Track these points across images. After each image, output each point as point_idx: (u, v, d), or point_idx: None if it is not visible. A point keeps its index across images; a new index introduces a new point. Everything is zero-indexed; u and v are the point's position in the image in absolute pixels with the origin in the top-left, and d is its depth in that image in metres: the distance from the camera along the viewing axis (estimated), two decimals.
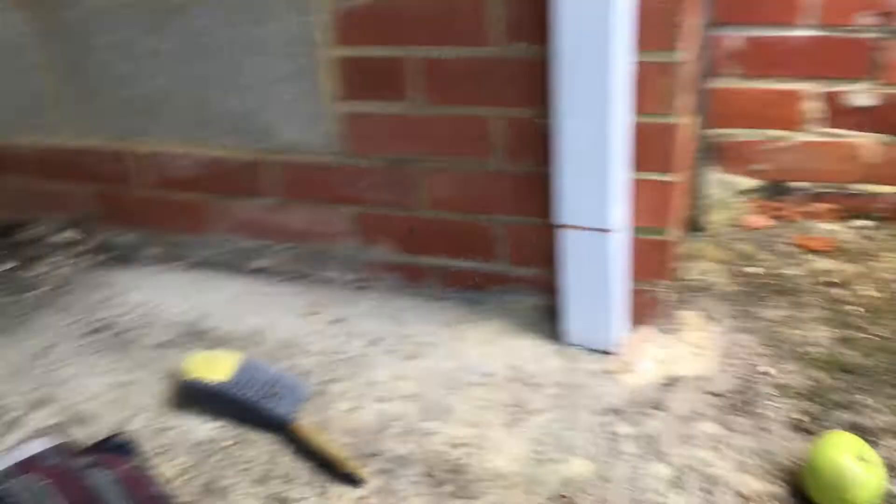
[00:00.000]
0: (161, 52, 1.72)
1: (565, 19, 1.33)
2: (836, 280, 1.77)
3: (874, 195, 1.96)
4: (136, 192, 1.93)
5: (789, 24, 1.86)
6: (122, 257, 1.99)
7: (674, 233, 1.62)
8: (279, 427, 1.42)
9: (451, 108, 1.59)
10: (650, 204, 1.54)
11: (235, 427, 1.45)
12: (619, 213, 1.50)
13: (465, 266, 1.76)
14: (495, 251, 1.72)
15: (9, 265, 1.95)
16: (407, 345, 1.65)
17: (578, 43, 1.34)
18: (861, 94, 1.88)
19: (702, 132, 1.97)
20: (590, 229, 1.49)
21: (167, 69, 1.74)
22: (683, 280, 1.79)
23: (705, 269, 1.83)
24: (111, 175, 1.93)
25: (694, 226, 1.93)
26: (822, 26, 1.84)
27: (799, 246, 1.91)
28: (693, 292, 1.76)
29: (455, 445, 1.39)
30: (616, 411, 1.45)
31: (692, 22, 1.49)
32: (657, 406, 1.46)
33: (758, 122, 1.98)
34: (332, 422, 1.45)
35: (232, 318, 1.76)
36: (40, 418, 1.49)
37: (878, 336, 1.60)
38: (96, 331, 1.73)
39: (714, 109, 1.99)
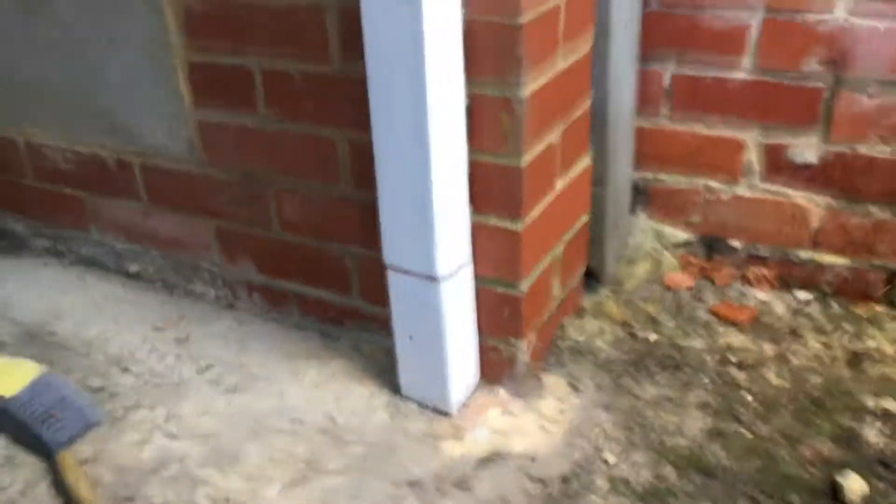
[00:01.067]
0: (37, 40, 1.65)
1: (375, 36, 1.17)
2: (741, 361, 1.54)
3: (819, 265, 1.70)
4: (26, 181, 1.88)
5: (728, 64, 1.62)
6: (13, 246, 1.94)
7: (537, 285, 1.44)
8: (48, 454, 1.32)
9: (296, 125, 1.45)
10: (496, 253, 1.36)
11: (11, 446, 1.36)
12: (452, 259, 1.32)
13: (322, 296, 1.62)
14: (350, 284, 1.57)
15: None
16: (236, 376, 1.53)
17: (389, 65, 1.18)
18: (806, 149, 1.63)
19: (628, 174, 1.76)
20: (415, 274, 1.33)
21: (45, 59, 1.67)
22: (564, 339, 1.59)
23: (597, 329, 1.63)
24: (3, 162, 1.88)
25: (600, 278, 1.73)
26: (764, 69, 1.60)
27: (716, 315, 1.67)
28: (572, 354, 1.56)
29: (217, 501, 1.25)
30: (415, 484, 1.28)
31: (553, 49, 1.30)
32: (462, 485, 1.28)
33: (692, 170, 1.75)
34: (110, 455, 1.34)
35: (80, 323, 1.68)
36: None
37: (757, 435, 1.36)
38: None
39: (644, 150, 1.77)
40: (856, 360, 1.53)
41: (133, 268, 1.83)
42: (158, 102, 1.57)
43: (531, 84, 1.24)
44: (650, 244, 1.83)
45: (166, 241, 1.75)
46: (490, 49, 1.20)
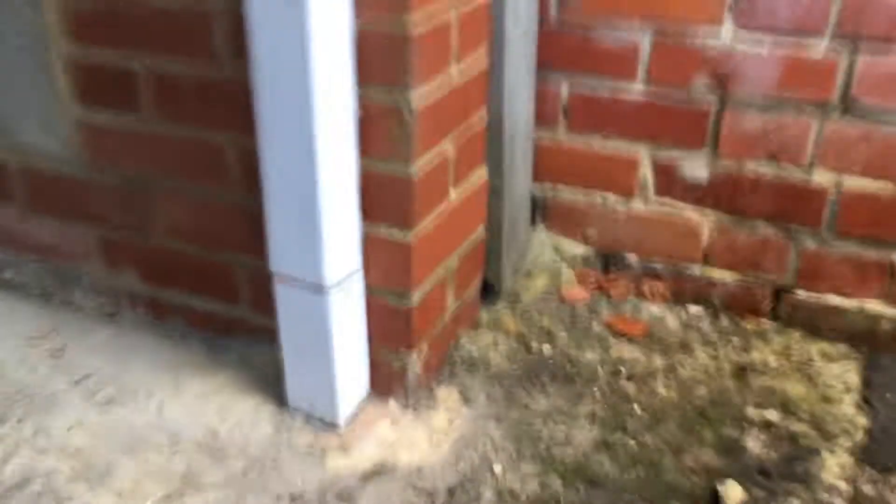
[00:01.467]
0: None
1: (261, 40, 1.14)
2: (632, 373, 1.56)
3: (710, 280, 1.74)
4: None
5: (621, 82, 1.66)
6: None
7: (429, 297, 1.42)
8: None
9: (183, 129, 1.40)
10: (386, 263, 1.34)
11: None
12: (340, 268, 1.29)
13: (209, 307, 1.57)
14: (239, 294, 1.53)
15: None
16: (113, 388, 1.45)
17: (276, 70, 1.15)
18: (696, 167, 1.67)
19: (526, 188, 1.77)
20: (302, 283, 1.29)
21: None
22: (458, 351, 1.58)
23: (492, 341, 1.62)
24: None
25: (498, 290, 1.72)
26: (655, 88, 1.63)
27: (610, 328, 1.69)
28: (465, 367, 1.55)
29: None
30: (297, 498, 1.24)
31: (446, 60, 1.30)
32: (346, 498, 1.25)
33: (589, 185, 1.77)
34: None
35: None
36: None
37: (644, 444, 1.38)
38: None
39: (543, 165, 1.78)
40: (741, 372, 1.57)
41: (6, 275, 1.73)
42: (37, 101, 1.50)
43: (422, 94, 1.23)
44: (548, 258, 1.85)
45: (44, 248, 1.66)
46: (380, 57, 1.18)
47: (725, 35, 1.53)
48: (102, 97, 1.44)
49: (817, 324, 1.68)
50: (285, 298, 1.33)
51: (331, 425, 1.39)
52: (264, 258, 1.39)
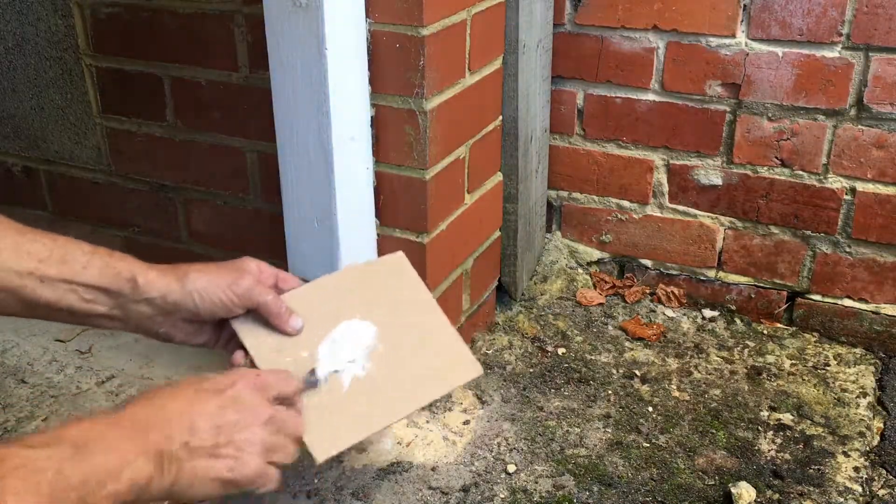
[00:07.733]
0: None
1: (278, 46, 1.18)
2: (645, 375, 1.57)
3: (725, 284, 1.75)
4: None
5: (637, 86, 1.68)
6: None
7: (445, 299, 1.45)
8: None
9: (205, 135, 1.44)
10: None
11: None
12: None
13: None
14: None
15: None
16: (137, 388, 1.50)
17: (292, 75, 1.18)
18: (710, 171, 1.68)
19: (542, 193, 1.80)
20: None
21: None
22: (474, 353, 1.59)
23: (507, 343, 1.64)
24: None
25: (513, 294, 1.75)
26: (670, 92, 1.65)
27: (625, 330, 1.71)
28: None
29: None
30: (313, 494, 1.27)
31: (460, 63, 1.33)
32: (361, 495, 1.27)
33: (605, 189, 1.79)
34: None
35: None
36: None
37: (657, 445, 1.39)
38: None
39: (558, 170, 1.81)
40: (755, 374, 1.57)
41: None
42: (66, 108, 1.55)
43: (436, 97, 1.26)
44: (564, 262, 1.87)
45: None
46: (394, 60, 1.21)
47: (741, 37, 1.55)
48: (129, 105, 1.49)
49: (832, 327, 1.68)
50: None
51: None
52: (285, 261, 1.43)
